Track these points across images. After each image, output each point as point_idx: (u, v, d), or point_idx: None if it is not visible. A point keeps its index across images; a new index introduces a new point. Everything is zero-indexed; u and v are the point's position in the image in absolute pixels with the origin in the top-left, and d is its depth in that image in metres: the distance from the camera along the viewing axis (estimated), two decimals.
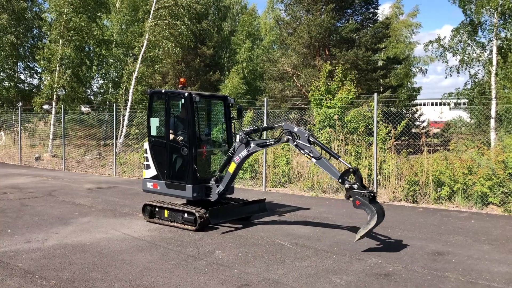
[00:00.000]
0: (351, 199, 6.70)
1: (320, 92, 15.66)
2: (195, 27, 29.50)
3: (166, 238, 7.57)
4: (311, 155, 7.14)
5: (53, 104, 24.48)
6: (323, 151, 7.36)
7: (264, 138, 8.18)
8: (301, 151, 7.32)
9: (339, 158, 7.02)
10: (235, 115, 9.31)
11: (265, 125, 8.32)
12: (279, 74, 28.06)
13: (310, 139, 7.24)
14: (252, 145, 7.85)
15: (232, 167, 8.08)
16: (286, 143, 7.77)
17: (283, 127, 7.61)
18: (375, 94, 11.68)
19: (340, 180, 6.80)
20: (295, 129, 7.41)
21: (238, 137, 7.98)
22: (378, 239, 7.49)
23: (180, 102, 8.65)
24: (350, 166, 6.96)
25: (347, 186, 6.72)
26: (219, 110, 9.94)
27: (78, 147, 23.14)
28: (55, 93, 24.33)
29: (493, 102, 17.21)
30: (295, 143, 7.35)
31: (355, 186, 6.67)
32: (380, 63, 30.78)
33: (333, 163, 7.44)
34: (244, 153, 7.91)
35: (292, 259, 6.41)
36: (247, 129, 8.05)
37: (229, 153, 8.15)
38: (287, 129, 7.47)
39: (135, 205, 10.43)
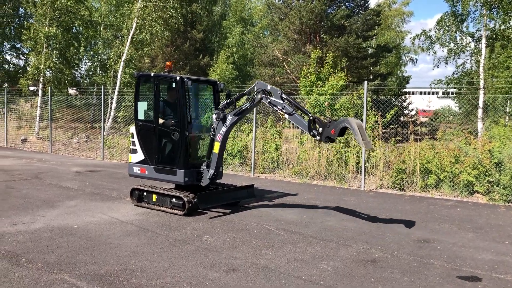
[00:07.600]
0: (328, 139, 7.01)
1: (310, 79, 15.64)
2: (184, 10, 29.11)
3: (154, 222, 7.56)
4: (284, 111, 7.40)
5: (40, 85, 24.11)
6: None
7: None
8: (274, 107, 7.56)
9: (310, 114, 7.20)
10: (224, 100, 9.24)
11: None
12: (269, 60, 27.95)
13: (283, 96, 7.48)
14: (229, 117, 7.94)
15: (216, 147, 8.10)
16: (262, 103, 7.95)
17: (256, 86, 7.81)
18: (365, 82, 11.69)
19: (311, 134, 7.14)
20: (268, 87, 7.65)
21: (214, 115, 8.06)
22: (365, 226, 7.56)
23: (169, 86, 8.57)
24: (310, 114, 7.19)
25: (318, 138, 7.06)
26: (209, 95, 9.86)
27: (65, 130, 22.89)
28: (42, 74, 23.95)
29: (481, 91, 17.34)
30: (269, 100, 7.59)
31: (321, 129, 7.01)
32: (370, 51, 30.79)
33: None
34: (223, 129, 7.98)
35: (280, 244, 6.45)
36: (221, 105, 8.13)
37: (211, 135, 8.20)
38: (260, 88, 7.68)
39: (122, 189, 10.38)
